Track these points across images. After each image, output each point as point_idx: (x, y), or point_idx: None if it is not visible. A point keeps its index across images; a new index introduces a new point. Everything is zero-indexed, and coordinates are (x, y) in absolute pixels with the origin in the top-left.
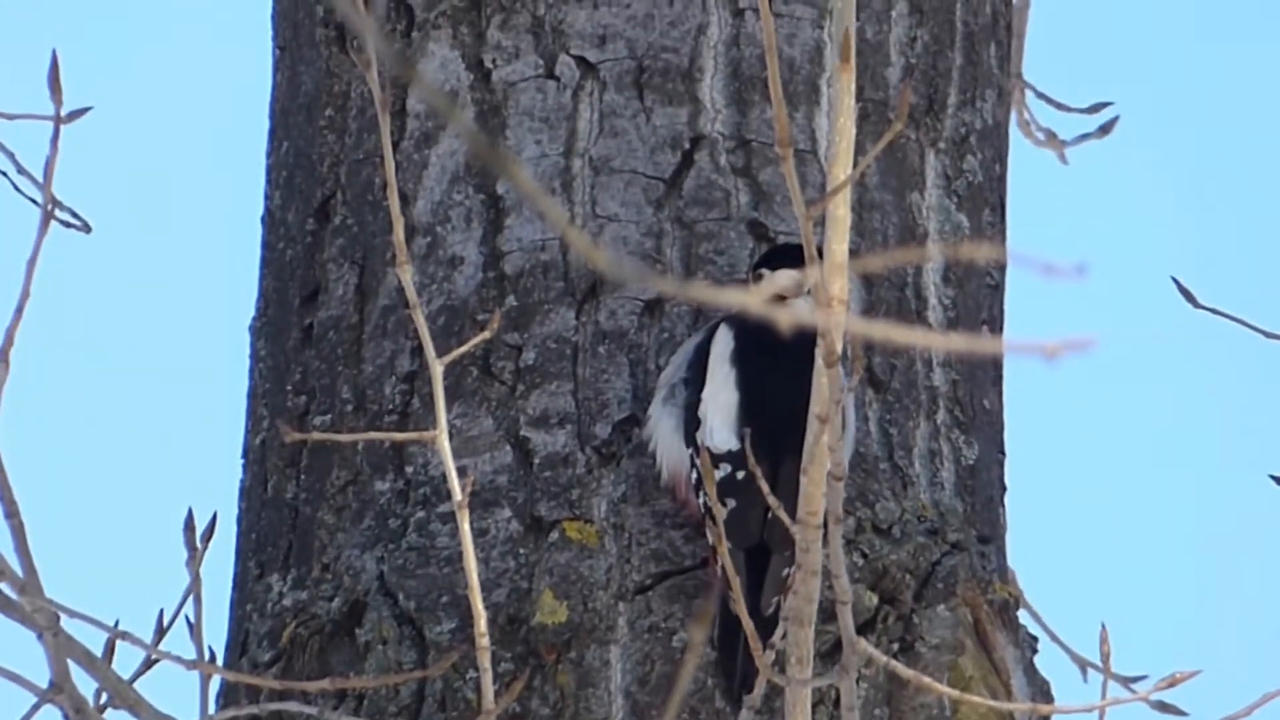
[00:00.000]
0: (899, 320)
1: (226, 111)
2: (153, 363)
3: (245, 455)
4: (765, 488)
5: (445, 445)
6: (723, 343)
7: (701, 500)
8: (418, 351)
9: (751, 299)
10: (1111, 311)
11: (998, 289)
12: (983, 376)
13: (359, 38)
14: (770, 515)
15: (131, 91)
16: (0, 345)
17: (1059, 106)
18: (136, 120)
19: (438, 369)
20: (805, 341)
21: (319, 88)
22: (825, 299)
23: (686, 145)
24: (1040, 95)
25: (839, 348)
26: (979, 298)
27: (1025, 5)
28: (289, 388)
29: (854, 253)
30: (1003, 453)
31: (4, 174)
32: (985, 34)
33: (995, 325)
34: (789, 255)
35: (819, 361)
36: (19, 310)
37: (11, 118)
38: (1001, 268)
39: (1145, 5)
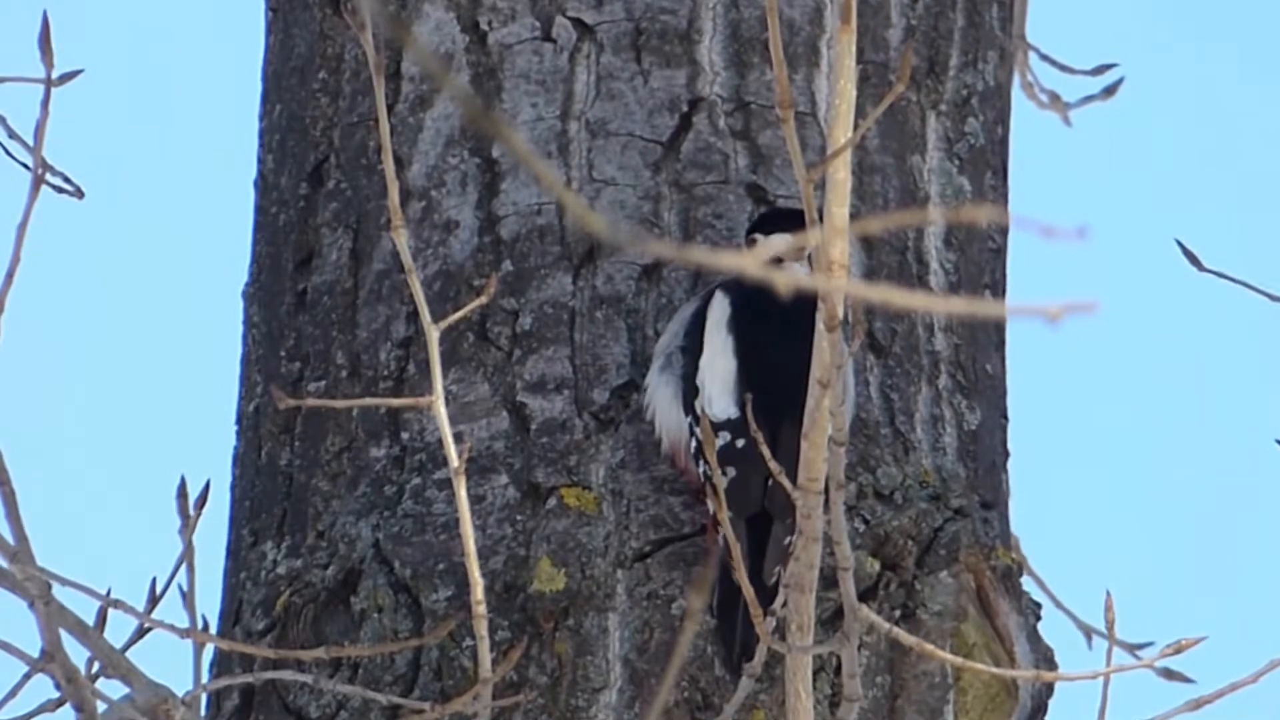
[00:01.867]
0: (900, 284)
1: (218, 74)
2: (145, 329)
3: (239, 422)
4: (767, 453)
5: (441, 411)
6: (719, 309)
7: (702, 469)
8: (413, 317)
9: (750, 263)
10: (1115, 275)
11: (1000, 253)
12: (985, 341)
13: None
14: (771, 483)
15: (123, 54)
16: None
17: (1062, 68)
18: (128, 83)
19: (433, 334)
20: (802, 306)
21: (312, 50)
22: (826, 263)
23: (685, 108)
24: (1043, 57)
25: (840, 312)
26: (981, 262)
27: None
28: (283, 353)
29: (854, 216)
30: (1005, 418)
31: None
32: None
33: (997, 289)
34: (783, 219)
35: (819, 326)
36: (9, 276)
37: (1, 81)
38: (1004, 231)
39: None
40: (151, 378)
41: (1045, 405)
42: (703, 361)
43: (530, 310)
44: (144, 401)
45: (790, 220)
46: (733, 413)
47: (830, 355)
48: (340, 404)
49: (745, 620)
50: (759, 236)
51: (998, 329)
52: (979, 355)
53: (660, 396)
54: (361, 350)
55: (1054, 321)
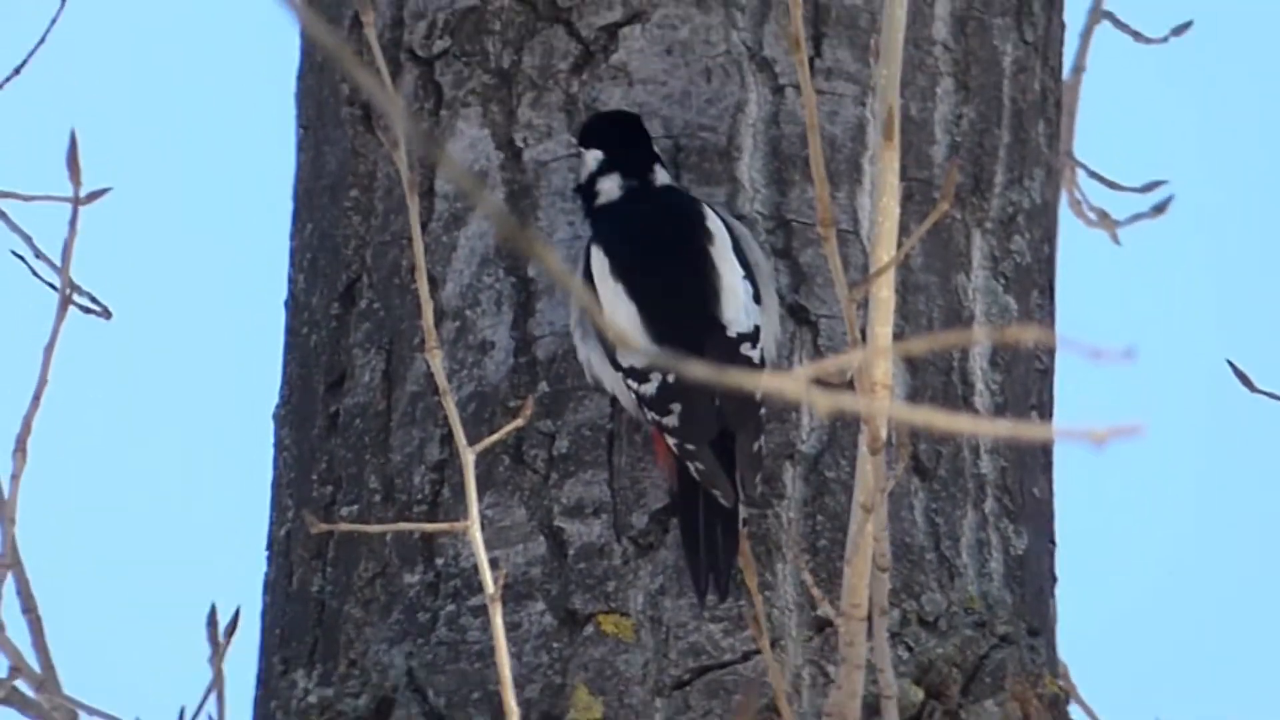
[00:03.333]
0: (945, 406)
1: (249, 193)
2: (174, 452)
3: (270, 547)
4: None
5: (477, 536)
6: (598, 262)
7: (650, 418)
8: (448, 439)
9: (791, 385)
10: (1165, 396)
11: (1046, 374)
12: (1032, 463)
13: (386, 117)
14: (720, 402)
15: (151, 172)
16: (18, 433)
17: (1111, 185)
18: (157, 202)
19: (469, 457)
20: (665, 215)
21: (344, 168)
22: (869, 384)
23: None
24: (1092, 174)
25: (884, 434)
26: (1027, 382)
27: (1076, 82)
28: (315, 477)
29: (898, 336)
30: (1053, 542)
31: (21, 258)
32: (1034, 111)
33: (1044, 411)
34: (601, 131)
35: (862, 448)
36: (36, 397)
37: (29, 199)
38: (1050, 351)
39: (1200, 82)
40: (181, 502)
41: (1093, 529)
42: (605, 317)
43: (567, 432)
44: (173, 526)
45: (608, 131)
46: (652, 351)
47: (874, 479)
48: (373, 528)
49: (709, 545)
50: (581, 150)
51: (1045, 451)
52: (1026, 478)
53: (596, 364)
54: (395, 474)
55: (1101, 444)
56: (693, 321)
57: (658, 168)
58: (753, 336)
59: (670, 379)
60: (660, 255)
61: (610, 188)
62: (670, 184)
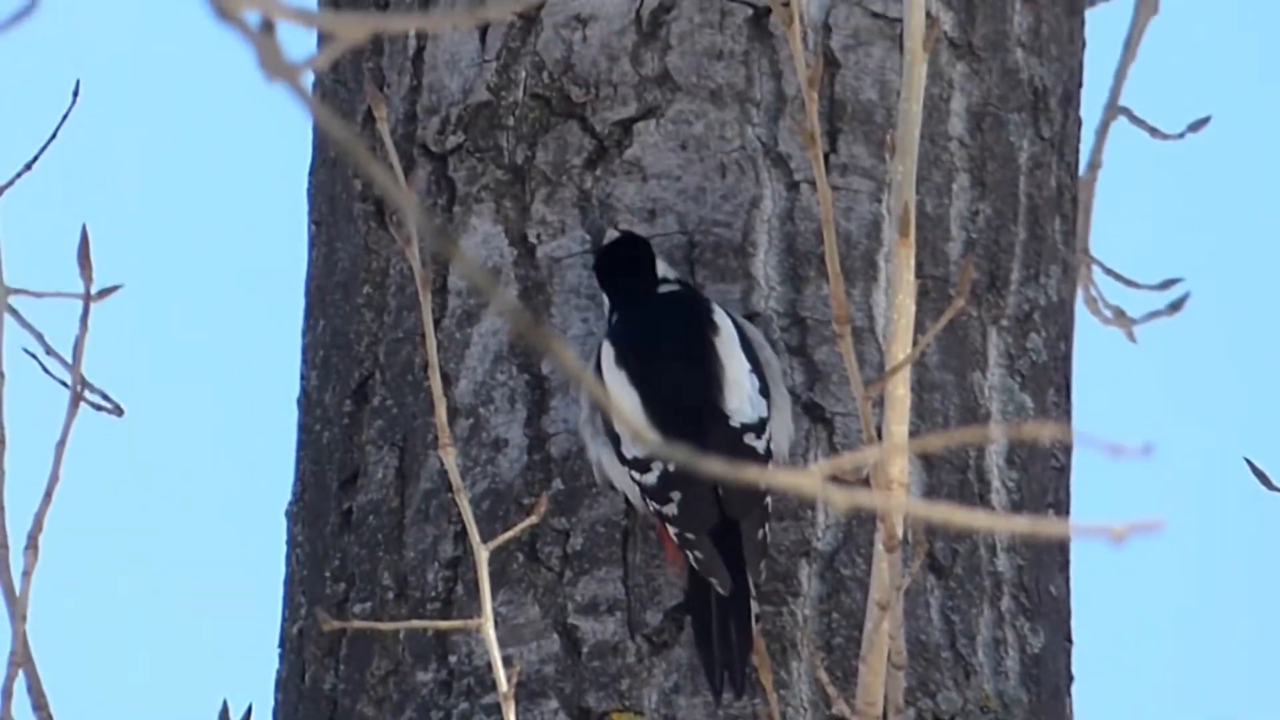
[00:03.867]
0: (961, 504)
1: (261, 289)
2: (187, 549)
3: (282, 644)
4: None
5: (490, 634)
6: (607, 355)
7: (651, 508)
8: (461, 536)
9: (803, 480)
10: (1183, 494)
11: (1063, 471)
12: (1048, 561)
13: (399, 212)
14: (721, 490)
15: (163, 269)
16: (29, 530)
17: (1127, 282)
18: (168, 298)
19: (482, 555)
20: (677, 312)
21: (356, 264)
22: (885, 481)
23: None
24: (1108, 271)
25: (900, 532)
26: (1044, 480)
27: (1092, 178)
28: (327, 574)
29: (914, 434)
30: (1070, 640)
31: (32, 355)
32: (1050, 208)
33: (1061, 509)
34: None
35: (878, 546)
36: (48, 494)
37: (40, 295)
38: (1067, 449)
39: (1217, 178)
40: (193, 599)
41: (1111, 628)
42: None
43: (581, 530)
44: (185, 624)
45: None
46: (657, 441)
47: (890, 577)
48: (386, 626)
49: (723, 641)
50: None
51: (1061, 549)
52: (1042, 576)
53: (606, 460)
54: (408, 571)
55: (1118, 541)
56: (695, 411)
57: (661, 285)
58: (757, 428)
59: (671, 468)
60: (665, 346)
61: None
62: (676, 285)
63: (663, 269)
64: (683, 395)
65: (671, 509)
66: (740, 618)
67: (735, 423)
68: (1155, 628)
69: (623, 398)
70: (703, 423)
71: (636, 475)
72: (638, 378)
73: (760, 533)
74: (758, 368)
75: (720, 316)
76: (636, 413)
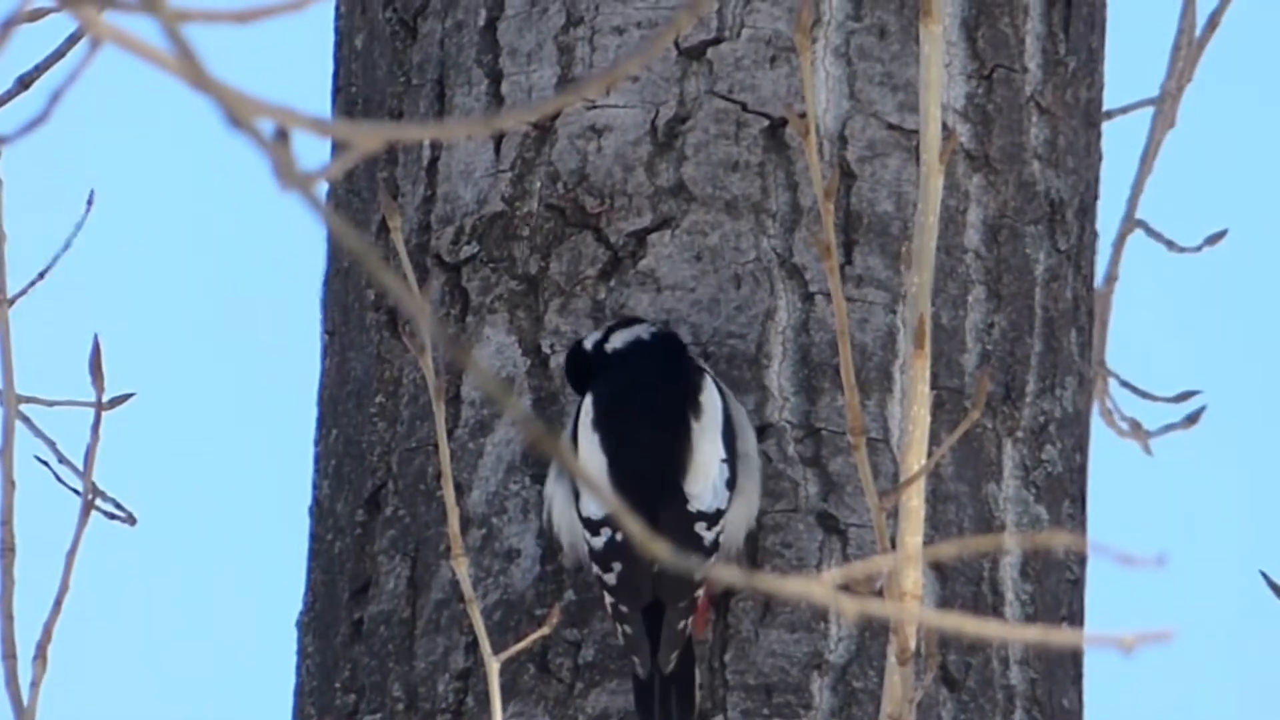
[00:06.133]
0: (975, 616)
1: (273, 399)
2: (197, 659)
3: None
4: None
5: None
6: (586, 413)
7: (594, 572)
8: (472, 647)
9: (819, 591)
10: (1197, 608)
11: (1078, 584)
12: (1062, 675)
13: (412, 322)
14: (657, 570)
15: (175, 378)
16: (38, 640)
17: (1143, 395)
18: (180, 408)
19: (494, 666)
20: (663, 390)
21: (369, 374)
22: (898, 592)
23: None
24: (1124, 383)
25: (912, 644)
26: (1058, 593)
27: (1108, 291)
28: (338, 685)
29: (928, 545)
30: None
31: (44, 462)
32: (1065, 320)
33: (1075, 621)
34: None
35: (890, 658)
36: (57, 604)
37: (52, 404)
38: (1082, 561)
39: (1233, 291)
40: (203, 710)
41: None
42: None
43: (593, 641)
44: None
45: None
46: (613, 501)
47: (903, 690)
48: None
49: (664, 714)
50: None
51: (1075, 662)
52: (1055, 690)
53: (557, 500)
54: (419, 682)
55: (1129, 651)
56: (655, 487)
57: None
58: (711, 518)
59: (618, 537)
60: (643, 417)
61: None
62: (654, 330)
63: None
64: (647, 469)
65: (611, 578)
66: (682, 693)
67: (692, 508)
68: None
69: (590, 459)
70: (660, 500)
71: (588, 535)
72: (608, 443)
73: (682, 624)
74: (732, 458)
75: (708, 396)
76: (601, 477)
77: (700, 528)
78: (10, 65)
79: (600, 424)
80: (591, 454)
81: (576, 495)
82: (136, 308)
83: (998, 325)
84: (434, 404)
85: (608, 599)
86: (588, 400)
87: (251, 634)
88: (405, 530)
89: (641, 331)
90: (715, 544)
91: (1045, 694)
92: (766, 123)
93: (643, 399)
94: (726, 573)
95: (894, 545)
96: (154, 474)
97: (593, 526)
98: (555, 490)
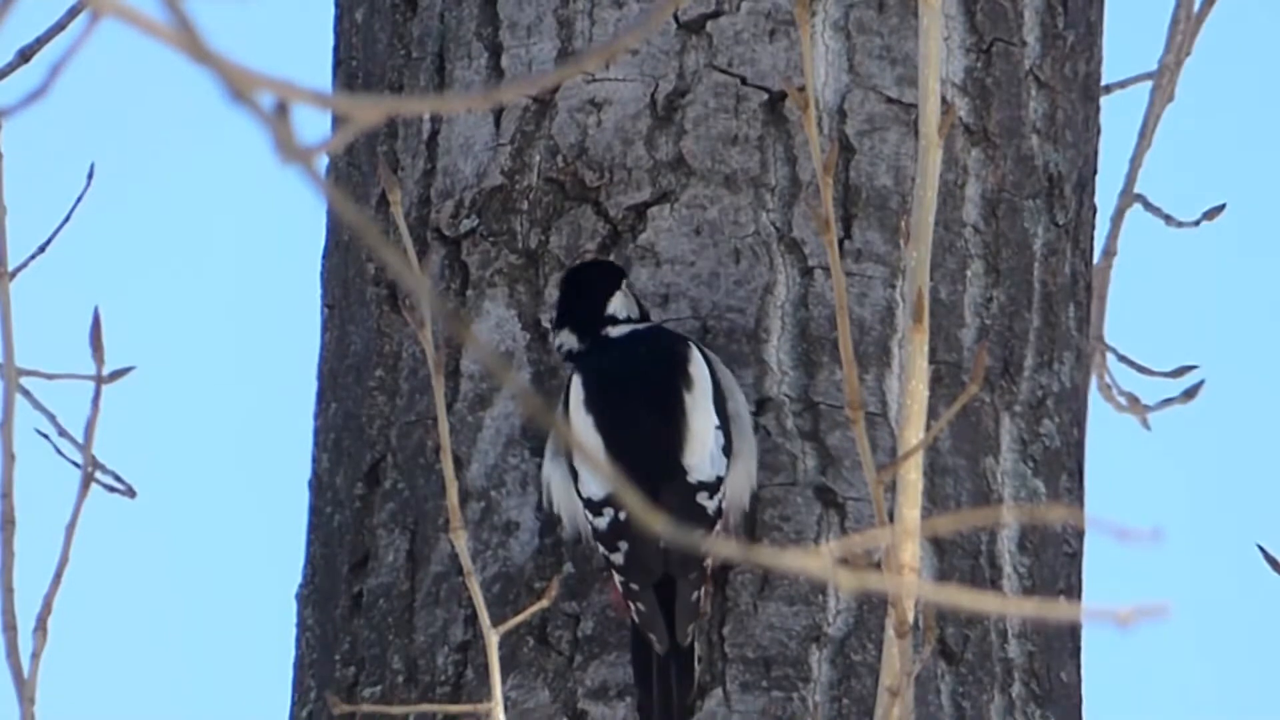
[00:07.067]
0: (973, 589)
1: (273, 372)
2: (197, 631)
3: None
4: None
5: (500, 718)
6: (575, 393)
7: (600, 553)
8: (471, 620)
9: (816, 564)
10: (1194, 581)
11: (1075, 557)
12: (1060, 648)
13: (412, 296)
14: (663, 545)
15: (175, 351)
16: (38, 612)
17: (1141, 370)
18: (180, 381)
19: (493, 638)
20: (651, 363)
21: (369, 348)
22: (896, 566)
23: (752, 408)
24: (1122, 358)
25: (910, 617)
26: (1056, 567)
27: (1106, 265)
28: (337, 658)
29: (925, 519)
30: None
31: (45, 435)
32: (1064, 295)
33: (1073, 594)
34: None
35: (888, 631)
36: (57, 576)
37: (52, 377)
38: (1079, 534)
39: (1232, 266)
40: (202, 682)
41: (1122, 714)
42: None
43: (592, 614)
44: (194, 706)
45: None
46: (610, 488)
47: (901, 663)
48: (397, 710)
49: (663, 688)
50: (551, 332)
51: (1073, 635)
52: (1053, 663)
53: (555, 482)
54: (418, 655)
55: (1125, 625)
56: (654, 463)
57: (612, 325)
58: (712, 486)
59: (622, 516)
60: (634, 395)
61: (569, 341)
62: (637, 328)
63: (627, 307)
64: (644, 445)
65: (619, 558)
66: (681, 666)
67: (692, 479)
68: (1166, 714)
69: (586, 439)
70: (660, 476)
71: (590, 517)
72: (603, 423)
73: (695, 595)
74: (725, 422)
75: (696, 366)
76: (598, 456)
77: (702, 498)
78: (11, 38)
79: (592, 405)
80: (587, 435)
81: (575, 477)
82: (137, 281)
83: (996, 300)
84: (433, 378)
85: (617, 579)
86: (575, 381)
87: (251, 607)
88: (404, 504)
89: None
90: (719, 511)
91: (1043, 667)
92: (766, 96)
93: (632, 376)
94: (725, 547)
95: (892, 519)
96: (154, 447)
97: (594, 508)
98: (552, 472)
